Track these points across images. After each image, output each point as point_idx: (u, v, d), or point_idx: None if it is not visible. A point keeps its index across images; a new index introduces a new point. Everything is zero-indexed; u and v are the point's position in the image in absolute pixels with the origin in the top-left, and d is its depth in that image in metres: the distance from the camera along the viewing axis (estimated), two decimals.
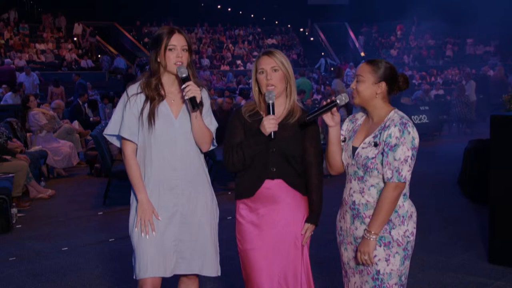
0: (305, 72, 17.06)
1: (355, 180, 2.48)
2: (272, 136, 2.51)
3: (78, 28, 21.94)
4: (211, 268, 2.72)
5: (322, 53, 26.39)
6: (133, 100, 2.62)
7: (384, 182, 2.39)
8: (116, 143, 2.74)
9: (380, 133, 2.41)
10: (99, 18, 23.69)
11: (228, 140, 2.67)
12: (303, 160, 2.67)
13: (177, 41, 2.59)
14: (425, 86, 16.48)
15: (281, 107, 2.67)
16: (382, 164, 2.38)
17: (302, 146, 2.66)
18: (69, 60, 20.08)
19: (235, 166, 2.63)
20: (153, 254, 2.59)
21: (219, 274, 2.77)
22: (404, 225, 2.44)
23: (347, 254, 2.58)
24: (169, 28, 2.64)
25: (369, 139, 2.45)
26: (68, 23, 22.38)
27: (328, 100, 2.46)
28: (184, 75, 2.54)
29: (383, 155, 2.38)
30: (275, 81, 2.60)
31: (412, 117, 13.13)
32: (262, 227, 2.65)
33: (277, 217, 2.64)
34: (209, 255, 2.70)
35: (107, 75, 20.01)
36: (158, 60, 2.61)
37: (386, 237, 2.42)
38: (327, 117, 2.48)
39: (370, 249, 2.38)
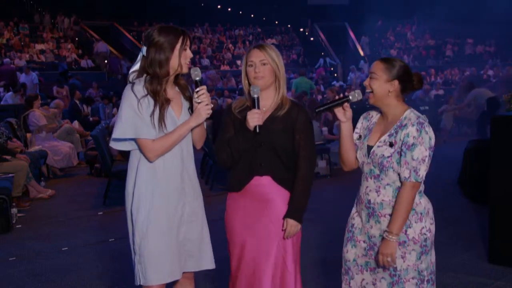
0: (305, 72, 17.08)
1: (371, 178, 2.49)
2: (257, 130, 2.50)
3: (65, 21, 22.19)
4: (212, 261, 2.74)
5: (322, 53, 26.38)
6: (144, 101, 2.49)
7: (401, 181, 2.41)
8: (125, 147, 2.59)
9: (396, 132, 2.43)
10: (99, 18, 23.69)
11: (220, 136, 2.69)
12: (293, 154, 2.65)
13: (189, 42, 2.57)
14: (425, 86, 16.46)
15: (269, 100, 2.67)
16: (398, 163, 2.40)
17: (292, 139, 2.64)
18: (69, 60, 20.08)
19: (225, 162, 2.67)
20: (169, 261, 2.55)
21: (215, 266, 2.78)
22: (422, 222, 2.45)
23: (355, 251, 2.57)
24: (179, 29, 2.55)
25: (385, 137, 2.47)
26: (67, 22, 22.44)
27: (341, 95, 2.48)
28: (197, 78, 2.51)
29: (399, 155, 2.39)
30: (263, 74, 2.60)
31: None
32: (247, 222, 2.67)
33: (263, 214, 2.64)
34: (210, 249, 2.72)
35: (107, 75, 20.02)
36: (170, 64, 2.51)
37: (401, 237, 2.44)
38: (339, 112, 2.50)
39: (393, 251, 2.38)
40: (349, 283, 2.60)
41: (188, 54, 2.55)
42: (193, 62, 20.84)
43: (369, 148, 2.50)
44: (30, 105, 9.00)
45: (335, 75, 23.65)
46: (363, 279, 2.55)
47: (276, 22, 28.57)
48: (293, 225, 2.60)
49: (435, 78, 21.61)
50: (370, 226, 2.52)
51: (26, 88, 13.76)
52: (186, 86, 2.67)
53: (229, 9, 27.84)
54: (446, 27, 25.54)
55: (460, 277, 4.15)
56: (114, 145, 2.59)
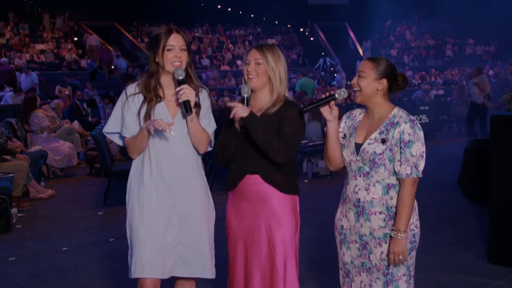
0: (306, 72, 17.09)
1: (360, 176, 2.49)
2: (244, 130, 2.52)
3: (59, 20, 22.46)
4: (211, 270, 2.73)
5: (322, 53, 26.38)
6: (131, 99, 2.62)
7: (398, 179, 2.44)
8: (117, 141, 2.75)
9: (387, 130, 2.45)
10: (99, 18, 23.68)
11: (219, 135, 2.72)
12: None
13: (175, 41, 2.58)
14: (425, 86, 16.47)
15: (262, 100, 2.66)
16: (390, 160, 2.43)
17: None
18: (69, 60, 20.08)
19: (218, 159, 2.71)
20: (152, 255, 2.59)
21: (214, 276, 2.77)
22: (411, 219, 2.47)
23: (350, 253, 2.57)
24: (167, 28, 2.63)
25: (375, 135, 2.48)
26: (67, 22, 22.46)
27: (327, 94, 2.48)
28: (180, 78, 2.53)
29: (391, 152, 2.42)
30: (255, 73, 2.60)
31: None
32: (243, 221, 2.68)
33: (256, 213, 2.64)
34: (209, 258, 2.71)
35: (107, 75, 20.01)
36: (157, 60, 2.60)
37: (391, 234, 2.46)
38: (325, 111, 2.48)
39: (404, 248, 2.41)
40: (351, 285, 2.60)
41: (170, 54, 2.56)
42: (193, 62, 20.63)
43: (358, 145, 2.51)
44: (33, 106, 8.99)
45: (335, 75, 23.63)
46: (361, 281, 2.56)
47: (276, 22, 28.52)
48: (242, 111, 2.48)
49: (435, 78, 21.61)
50: (360, 225, 2.51)
51: (35, 90, 13.73)
52: (196, 90, 2.64)
53: (229, 9, 27.81)
54: (446, 27, 25.54)
55: (460, 277, 4.15)
56: (110, 136, 2.76)
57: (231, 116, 2.49)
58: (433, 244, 4.88)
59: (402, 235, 2.40)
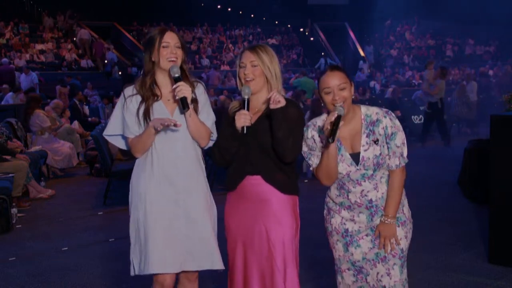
0: (306, 72, 17.08)
1: (365, 181, 2.51)
2: (244, 132, 2.51)
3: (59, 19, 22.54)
4: (219, 261, 2.73)
5: (322, 53, 26.36)
6: (129, 100, 2.67)
7: (389, 170, 2.51)
8: (117, 143, 2.77)
9: (371, 130, 2.48)
10: (99, 18, 23.68)
11: (218, 136, 2.73)
12: None
13: (170, 38, 2.63)
14: None
15: (260, 101, 2.67)
16: (387, 156, 2.49)
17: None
18: (69, 60, 20.08)
19: (217, 161, 2.72)
20: (166, 249, 2.60)
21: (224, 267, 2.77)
22: (406, 200, 2.60)
23: (360, 250, 2.58)
24: (160, 28, 2.71)
25: (364, 139, 2.48)
26: (67, 22, 22.45)
27: (335, 114, 2.31)
28: (176, 75, 2.57)
29: (383, 147, 2.48)
30: (252, 76, 2.60)
31: (412, 117, 13.13)
32: (242, 221, 2.67)
33: (257, 213, 2.64)
34: (215, 250, 2.72)
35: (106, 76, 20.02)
36: (153, 59, 2.65)
37: (401, 217, 2.56)
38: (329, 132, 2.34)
39: (395, 231, 2.51)
40: (366, 279, 2.61)
41: (166, 51, 2.61)
42: (193, 62, 20.81)
43: (353, 156, 2.49)
44: (37, 105, 8.98)
45: None
46: (377, 273, 2.57)
47: (276, 22, 28.51)
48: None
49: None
50: (372, 222, 2.56)
51: (35, 90, 13.73)
52: (192, 86, 2.68)
53: (229, 9, 27.81)
54: (446, 27, 25.53)
55: (460, 277, 4.15)
56: (110, 139, 2.78)
57: (237, 124, 2.50)
58: (433, 244, 4.88)
59: (391, 220, 2.49)
